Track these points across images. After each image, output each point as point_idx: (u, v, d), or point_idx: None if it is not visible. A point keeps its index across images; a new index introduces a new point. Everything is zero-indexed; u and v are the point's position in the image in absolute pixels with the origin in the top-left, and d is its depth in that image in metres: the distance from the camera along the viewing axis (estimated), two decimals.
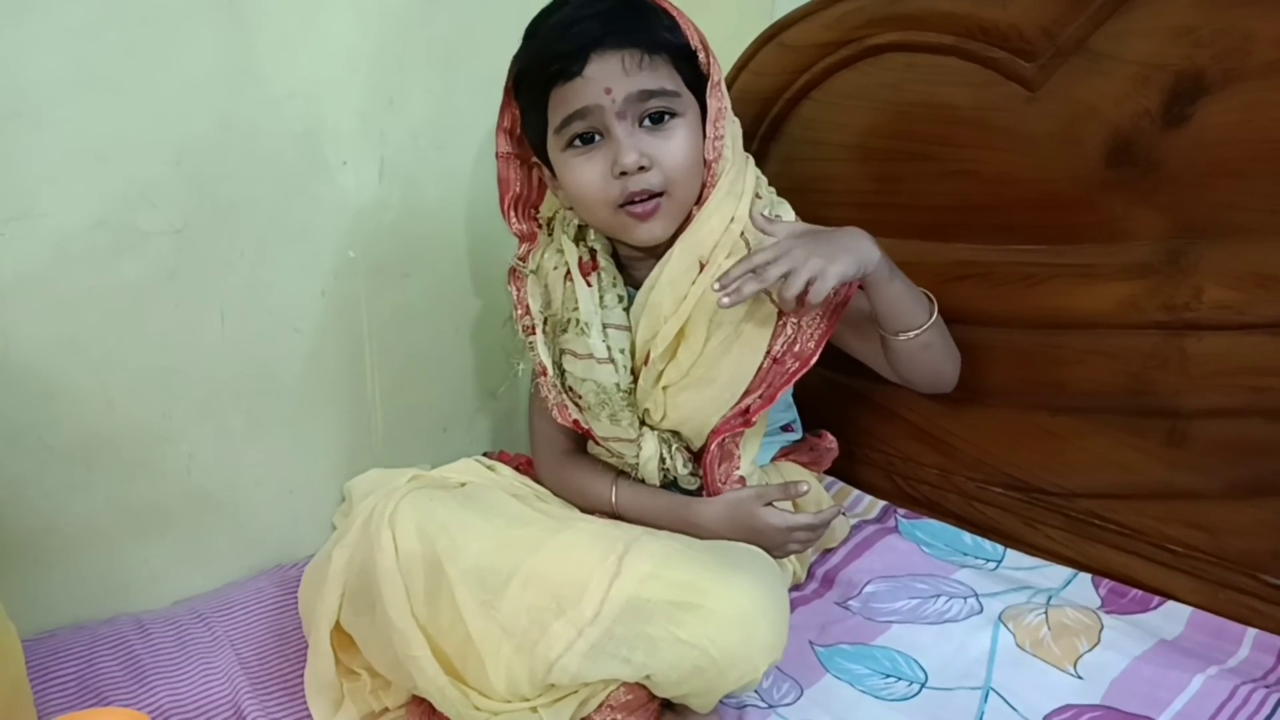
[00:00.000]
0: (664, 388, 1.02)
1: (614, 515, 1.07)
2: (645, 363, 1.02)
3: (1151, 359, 1.08)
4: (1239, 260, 1.02)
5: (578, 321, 1.03)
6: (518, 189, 1.09)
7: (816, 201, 1.26)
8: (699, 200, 1.00)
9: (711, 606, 0.85)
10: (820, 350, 1.02)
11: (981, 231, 1.19)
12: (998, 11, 1.13)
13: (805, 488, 1.05)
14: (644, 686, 0.90)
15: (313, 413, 1.19)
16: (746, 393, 1.02)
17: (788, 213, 1.07)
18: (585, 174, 0.98)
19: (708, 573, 0.88)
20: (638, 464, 1.06)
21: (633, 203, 0.98)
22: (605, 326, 1.03)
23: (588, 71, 0.94)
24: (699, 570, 0.89)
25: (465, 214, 1.27)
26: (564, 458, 1.12)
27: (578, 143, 0.98)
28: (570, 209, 1.05)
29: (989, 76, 1.15)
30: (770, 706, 0.96)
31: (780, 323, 1.01)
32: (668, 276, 0.99)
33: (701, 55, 0.99)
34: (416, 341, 1.26)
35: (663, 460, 1.05)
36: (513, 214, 1.09)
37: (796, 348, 1.01)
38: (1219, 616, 1.05)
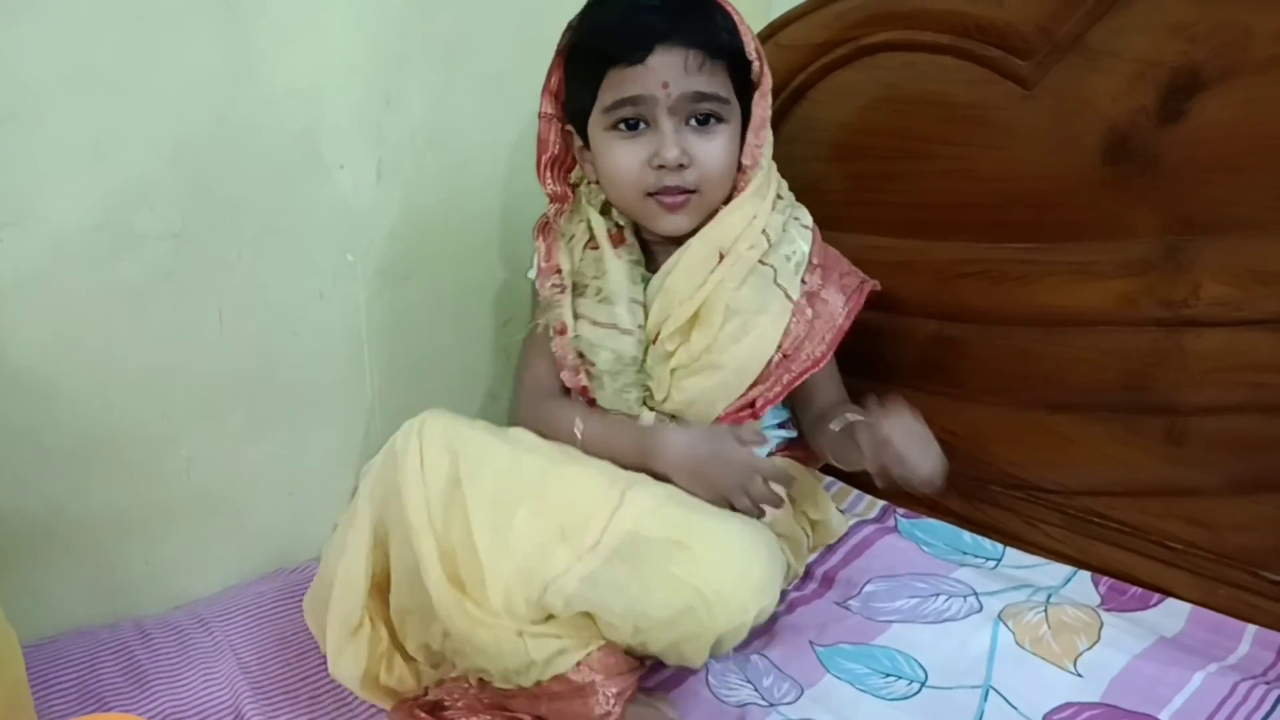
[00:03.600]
0: (673, 369, 1.05)
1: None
2: (655, 341, 1.05)
3: (1150, 356, 1.08)
4: (1237, 256, 1.02)
5: (600, 290, 1.07)
6: (556, 150, 1.09)
7: (815, 200, 1.26)
8: (726, 199, 1.04)
9: (706, 544, 0.89)
10: (832, 353, 1.07)
11: (979, 229, 1.19)
12: (993, 9, 1.13)
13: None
14: (627, 653, 0.91)
15: (312, 414, 1.19)
16: (755, 384, 1.05)
17: (805, 216, 1.11)
18: (625, 158, 1.02)
19: (703, 514, 0.92)
20: None
21: (664, 193, 1.02)
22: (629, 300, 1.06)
23: (650, 61, 0.97)
24: (696, 512, 0.92)
25: (464, 214, 1.27)
26: (543, 397, 1.13)
27: (623, 126, 1.01)
28: (596, 183, 1.08)
29: (985, 75, 1.16)
30: (771, 705, 0.95)
31: (793, 318, 1.05)
32: (685, 263, 1.03)
33: (756, 64, 1.03)
34: (416, 343, 1.26)
35: None
36: (549, 175, 1.10)
37: (807, 347, 1.06)
38: (1219, 613, 1.05)
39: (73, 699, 0.96)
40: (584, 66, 1.02)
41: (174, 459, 1.10)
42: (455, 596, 0.88)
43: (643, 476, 0.95)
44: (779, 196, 1.08)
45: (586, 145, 1.07)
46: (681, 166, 1.00)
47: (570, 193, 1.11)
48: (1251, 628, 1.02)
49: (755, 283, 1.04)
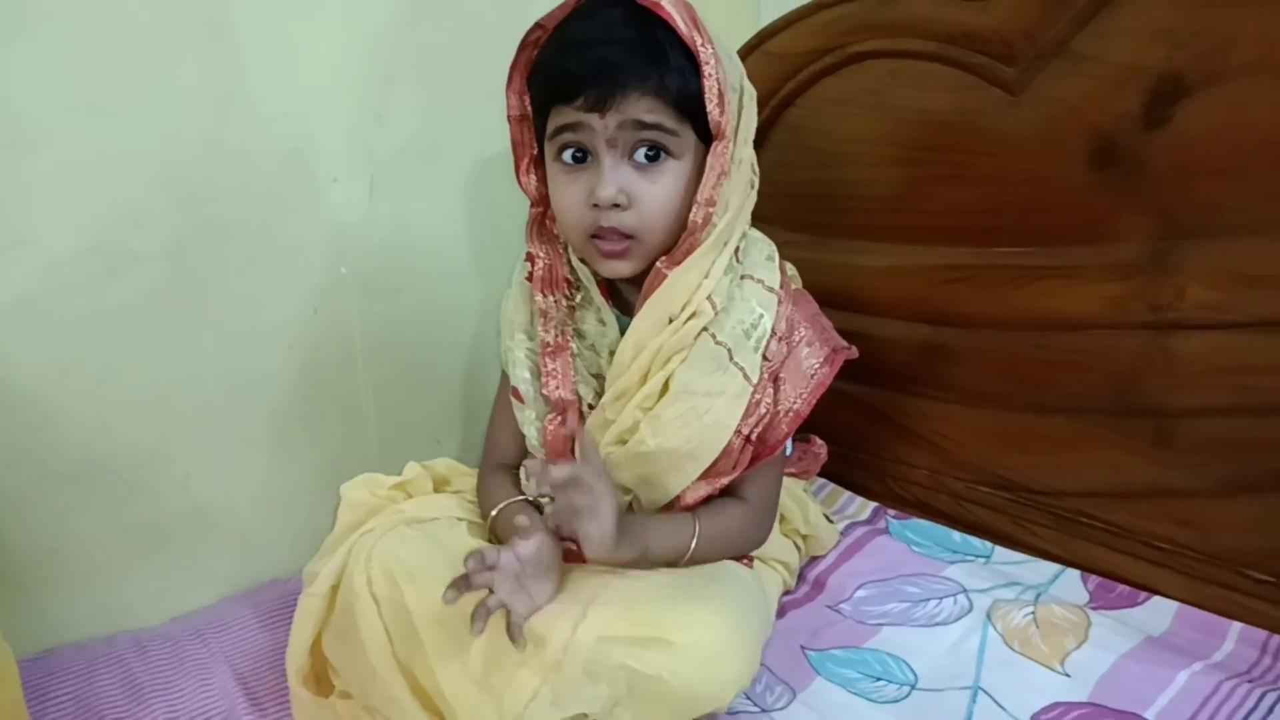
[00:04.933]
0: (621, 441, 0.98)
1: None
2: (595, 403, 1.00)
3: (1138, 359, 1.09)
4: (1222, 259, 1.03)
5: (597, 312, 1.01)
6: (536, 151, 0.99)
7: (804, 207, 1.27)
8: (671, 252, 0.94)
9: (674, 639, 0.85)
10: (791, 435, 1.01)
11: (968, 235, 1.20)
12: (979, 16, 1.14)
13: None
14: None
15: (307, 428, 1.21)
16: (715, 470, 0.98)
17: (772, 275, 1.01)
18: (567, 195, 0.94)
19: (671, 609, 0.88)
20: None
21: (601, 237, 0.94)
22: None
23: (589, 91, 0.89)
24: (663, 607, 0.89)
25: (455, 228, 1.28)
26: (490, 470, 1.10)
27: (566, 157, 0.94)
28: None
29: (972, 81, 1.16)
30: (763, 710, 0.96)
31: (754, 400, 0.97)
32: (635, 335, 0.96)
33: (715, 112, 0.90)
34: (409, 355, 1.27)
35: None
36: (532, 176, 1.01)
37: (773, 432, 0.99)
38: (1205, 611, 1.06)
39: (69, 712, 0.97)
40: (536, 94, 0.95)
41: (171, 476, 1.12)
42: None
43: (611, 580, 0.92)
44: (737, 260, 0.98)
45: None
46: (618, 206, 0.91)
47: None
48: (1237, 626, 1.03)
49: (705, 363, 0.95)
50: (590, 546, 0.87)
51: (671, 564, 0.97)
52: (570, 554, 0.97)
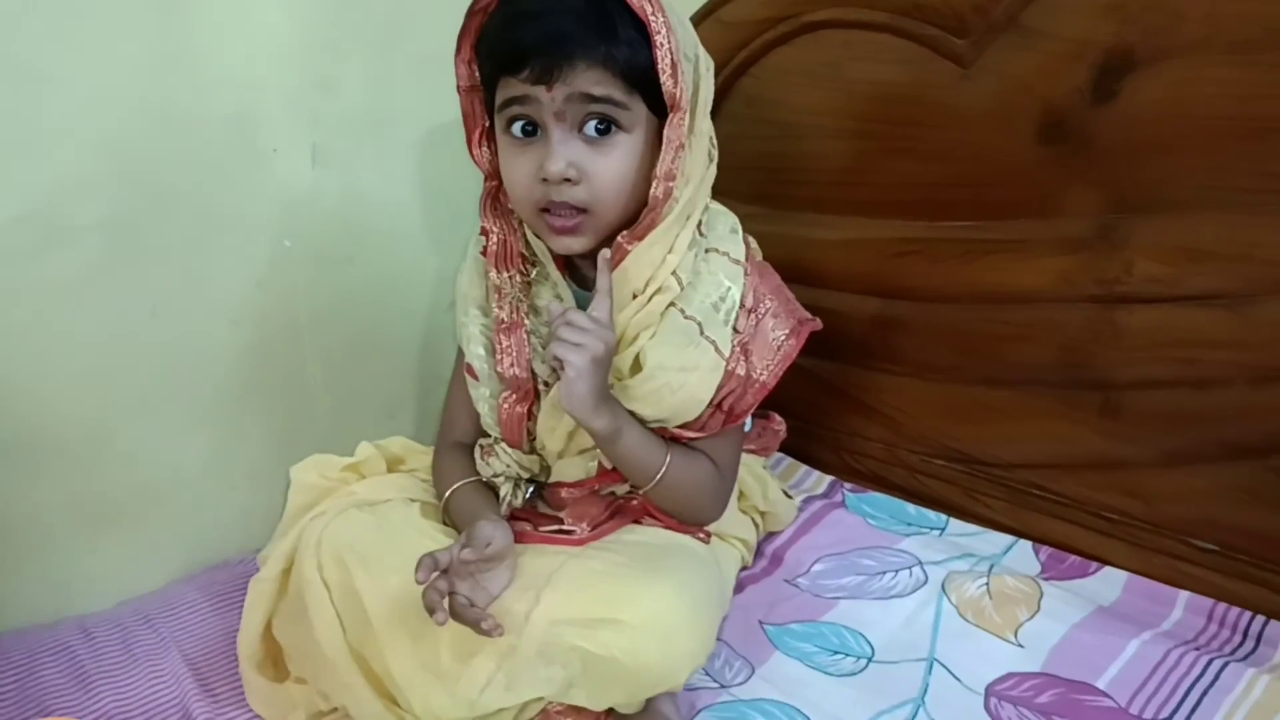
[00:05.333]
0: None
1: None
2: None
3: (1085, 332, 1.11)
4: (1169, 235, 1.04)
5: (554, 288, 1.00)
6: (487, 123, 0.97)
7: (758, 179, 1.27)
8: (632, 227, 0.92)
9: (625, 618, 0.85)
10: (756, 406, 1.00)
11: (920, 208, 1.21)
12: None
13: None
14: None
15: (253, 404, 1.17)
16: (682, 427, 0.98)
17: (737, 248, 1.00)
18: (516, 168, 0.93)
19: (624, 587, 0.88)
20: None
21: (552, 212, 0.92)
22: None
23: (535, 63, 0.87)
24: (616, 587, 0.89)
25: (406, 198, 1.25)
26: (446, 447, 1.09)
27: (515, 130, 0.91)
28: None
29: (923, 54, 1.16)
30: (722, 686, 0.97)
31: (727, 372, 0.96)
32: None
33: (669, 84, 0.88)
34: (359, 328, 1.24)
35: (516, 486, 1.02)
36: (485, 149, 0.98)
37: (741, 401, 0.98)
38: (1154, 581, 1.08)
39: (10, 703, 0.94)
40: (482, 66, 0.93)
41: (113, 453, 1.08)
42: (384, 707, 0.87)
43: (566, 562, 0.92)
44: (701, 234, 0.97)
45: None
46: (568, 180, 0.89)
47: None
48: (1184, 594, 1.06)
49: (677, 338, 0.94)
50: (570, 398, 0.87)
51: (637, 478, 0.97)
52: (523, 535, 0.96)
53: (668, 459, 0.96)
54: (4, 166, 0.94)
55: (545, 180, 0.90)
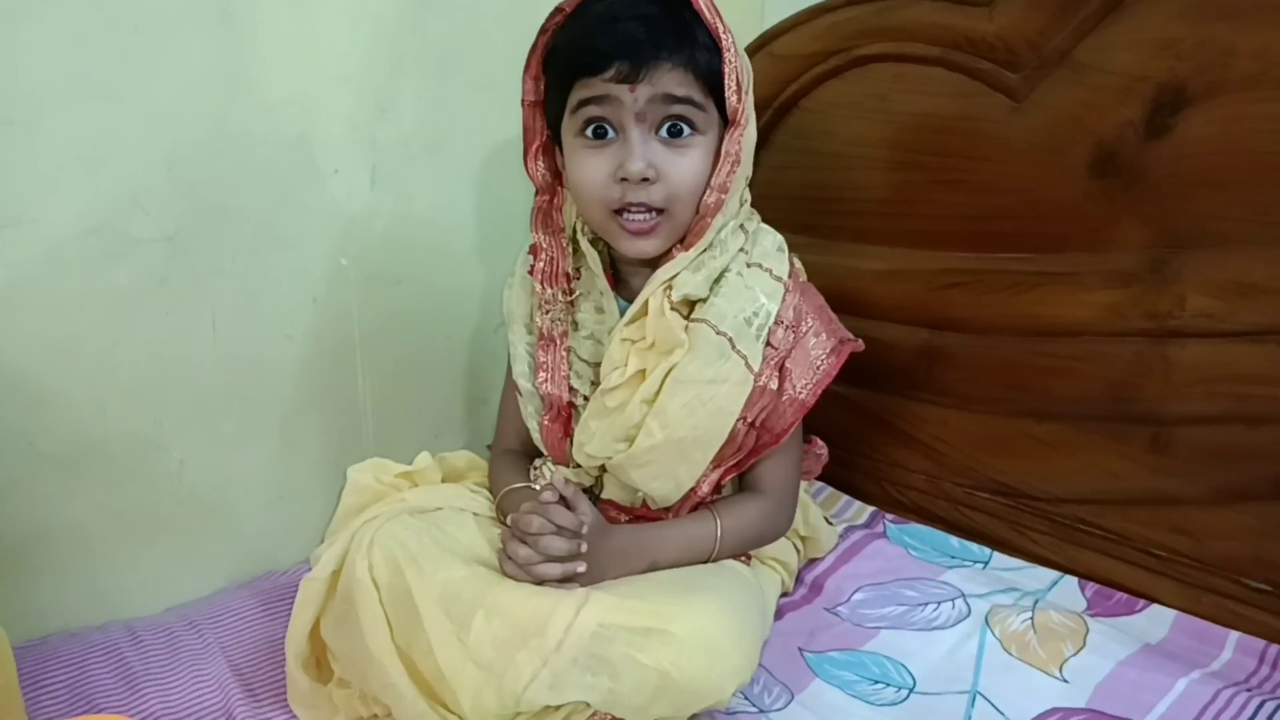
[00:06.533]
0: (628, 439, 0.98)
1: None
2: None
3: (1135, 366, 1.10)
4: (1220, 269, 1.03)
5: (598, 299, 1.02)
6: (545, 138, 1.01)
7: (805, 209, 1.28)
8: (683, 239, 0.97)
9: (675, 631, 0.85)
10: (797, 424, 1.02)
11: (969, 240, 1.21)
12: (983, 23, 1.15)
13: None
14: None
15: (304, 419, 1.19)
16: (721, 457, 0.99)
17: (780, 265, 1.01)
18: (590, 170, 0.95)
19: (672, 599, 0.89)
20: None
21: (629, 212, 0.95)
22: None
23: (620, 63, 0.90)
24: (664, 596, 0.89)
25: (458, 221, 1.27)
26: (499, 454, 1.12)
27: (589, 133, 0.94)
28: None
29: (975, 87, 1.17)
30: (761, 711, 0.96)
31: (757, 387, 0.97)
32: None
33: (734, 98, 0.93)
34: (408, 348, 1.26)
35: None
36: (540, 163, 1.02)
37: (778, 419, 1.00)
38: (1202, 620, 1.06)
39: (63, 700, 0.95)
40: (557, 75, 0.96)
41: (166, 463, 1.10)
42: (438, 717, 0.87)
43: (612, 581, 0.93)
44: (742, 249, 0.99)
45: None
46: (647, 180, 0.92)
47: (558, 186, 1.04)
48: (1234, 634, 1.04)
49: (707, 352, 0.95)
50: (603, 580, 0.92)
51: (699, 560, 0.99)
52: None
53: (718, 532, 0.99)
54: (76, 181, 0.97)
55: (624, 180, 0.93)
